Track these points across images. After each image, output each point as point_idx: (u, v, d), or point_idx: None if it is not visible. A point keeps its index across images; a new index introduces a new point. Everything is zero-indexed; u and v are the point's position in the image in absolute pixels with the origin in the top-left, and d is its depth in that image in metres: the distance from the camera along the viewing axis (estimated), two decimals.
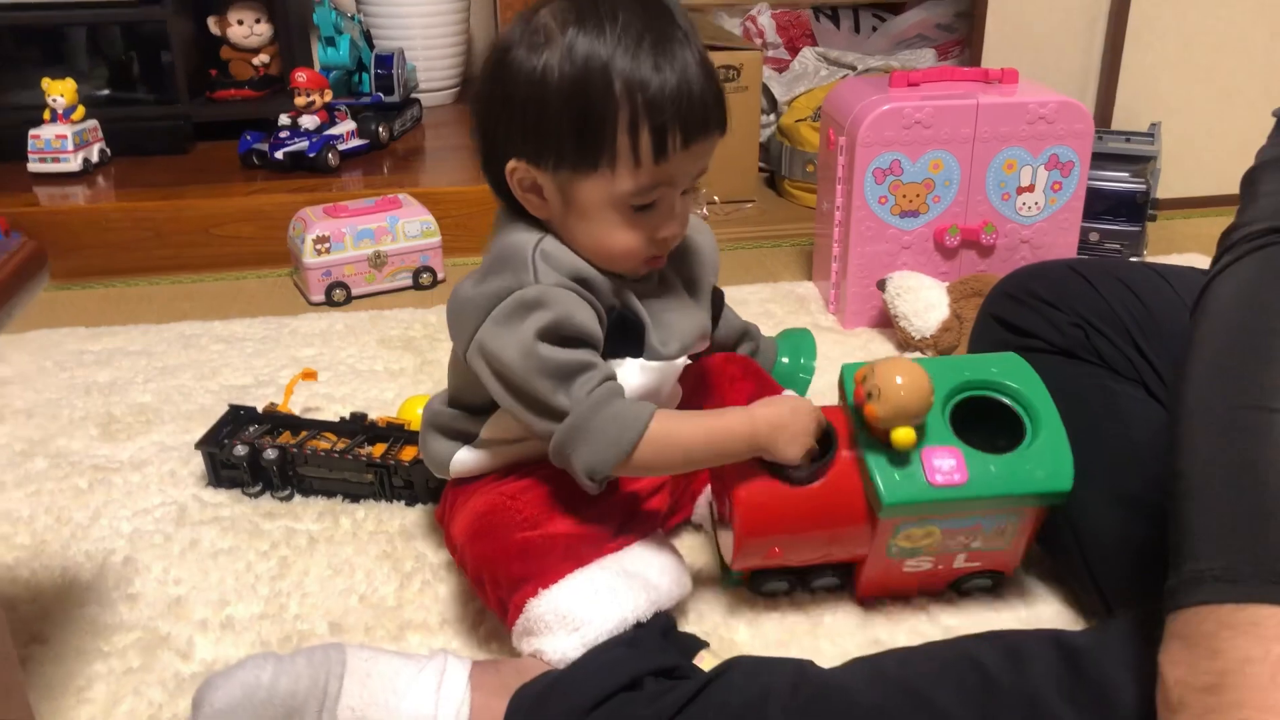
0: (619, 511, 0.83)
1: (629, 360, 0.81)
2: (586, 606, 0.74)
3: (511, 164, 0.78)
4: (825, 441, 0.82)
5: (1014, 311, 0.95)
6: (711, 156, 0.79)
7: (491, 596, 0.80)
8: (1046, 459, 0.79)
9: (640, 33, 0.73)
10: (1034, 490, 0.79)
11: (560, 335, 0.75)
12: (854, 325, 1.42)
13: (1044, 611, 0.88)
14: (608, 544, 0.80)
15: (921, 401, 0.77)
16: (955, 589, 0.89)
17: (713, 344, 0.95)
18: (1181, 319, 0.84)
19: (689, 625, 0.85)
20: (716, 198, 1.86)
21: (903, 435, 0.77)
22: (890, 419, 0.77)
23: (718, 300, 0.92)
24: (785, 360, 1.09)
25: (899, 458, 0.78)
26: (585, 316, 0.76)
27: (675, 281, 0.86)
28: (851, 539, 0.82)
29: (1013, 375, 0.84)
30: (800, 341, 1.12)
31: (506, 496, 0.82)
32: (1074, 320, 0.90)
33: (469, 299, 0.80)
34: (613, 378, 0.78)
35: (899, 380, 0.76)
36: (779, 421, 0.78)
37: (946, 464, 0.78)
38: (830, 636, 0.85)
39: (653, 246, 0.80)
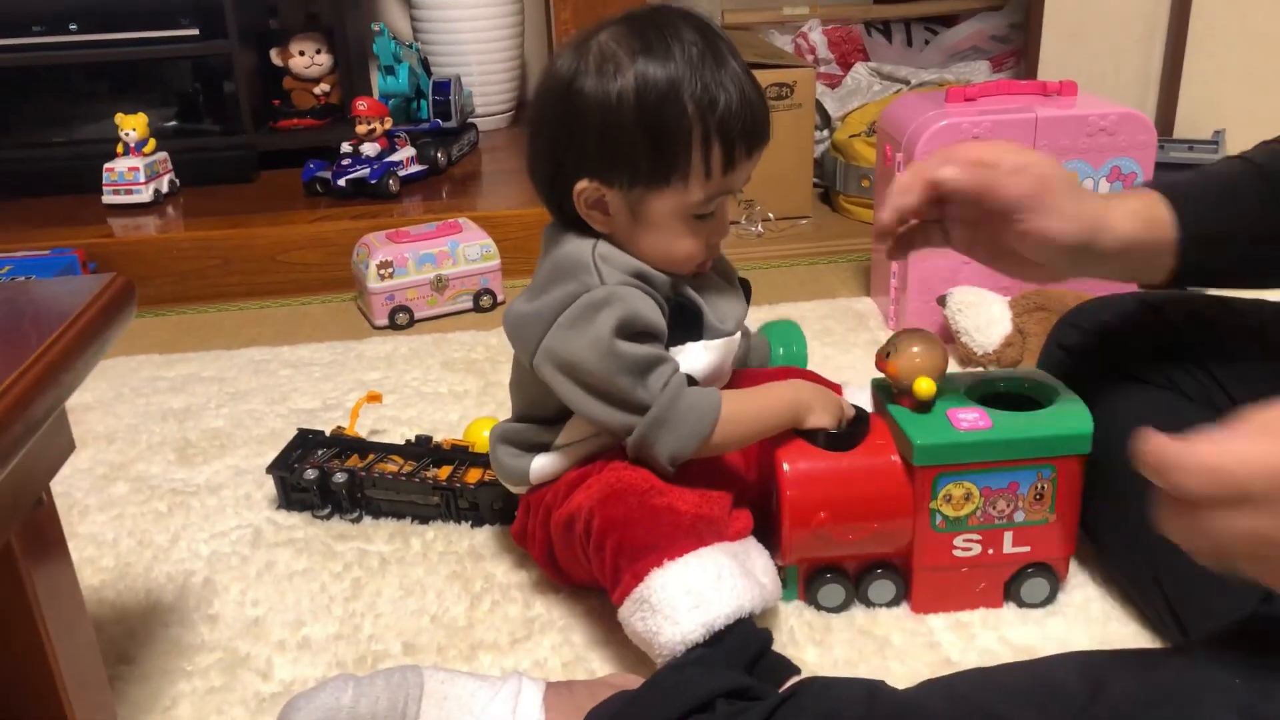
0: (728, 503, 0.85)
1: (691, 344, 0.85)
2: (710, 587, 0.75)
3: (581, 185, 0.81)
4: (857, 424, 0.88)
5: (1082, 341, 0.94)
6: None
7: (609, 563, 0.80)
8: (1067, 413, 0.85)
9: (701, 52, 0.78)
10: (1058, 432, 0.83)
11: (632, 330, 0.79)
12: None
13: (1119, 631, 0.86)
14: (726, 531, 0.82)
15: (936, 352, 0.85)
16: (1015, 600, 0.89)
17: None
18: (1252, 346, 0.84)
19: None
20: (772, 214, 1.87)
21: (924, 384, 0.83)
22: (909, 372, 0.84)
23: (746, 287, 0.96)
24: (781, 351, 1.15)
25: (925, 414, 0.85)
26: (652, 311, 0.80)
27: (710, 271, 0.91)
28: (894, 499, 0.85)
29: (1036, 380, 0.91)
30: (788, 332, 1.18)
31: (626, 467, 0.83)
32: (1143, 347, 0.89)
33: (529, 313, 0.83)
34: (678, 368, 0.82)
35: (914, 337, 0.86)
36: (814, 388, 0.86)
37: (971, 415, 0.84)
38: (899, 657, 0.85)
39: (707, 251, 0.85)
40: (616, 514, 0.80)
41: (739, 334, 0.90)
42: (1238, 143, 1.69)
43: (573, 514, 0.84)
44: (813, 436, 0.86)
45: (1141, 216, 0.79)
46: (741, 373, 1.00)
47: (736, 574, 0.77)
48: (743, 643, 0.75)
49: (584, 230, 0.84)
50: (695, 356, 0.85)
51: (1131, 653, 0.57)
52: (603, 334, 0.78)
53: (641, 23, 0.79)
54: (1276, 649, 0.50)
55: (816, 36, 2.23)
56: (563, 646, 0.87)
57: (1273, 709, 0.48)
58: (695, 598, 0.75)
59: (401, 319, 1.55)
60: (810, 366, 1.24)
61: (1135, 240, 0.78)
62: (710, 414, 0.81)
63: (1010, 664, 0.68)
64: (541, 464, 0.88)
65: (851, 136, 1.88)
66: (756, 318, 1.42)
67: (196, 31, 1.93)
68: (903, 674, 0.82)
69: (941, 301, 1.35)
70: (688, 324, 0.85)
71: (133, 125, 1.80)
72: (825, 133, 2.03)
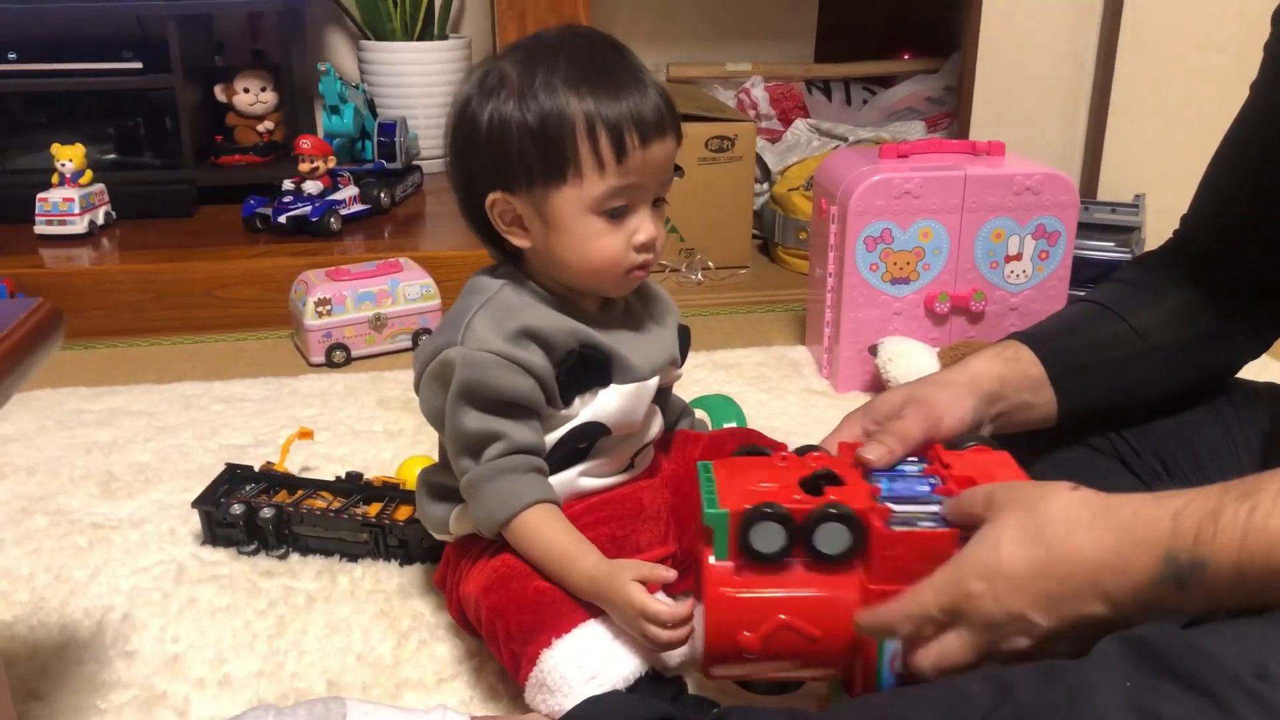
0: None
1: (601, 390, 0.85)
2: (602, 655, 0.75)
3: (490, 197, 0.82)
4: None
5: None
6: (673, 165, 0.83)
7: (505, 650, 0.79)
8: None
9: (585, 69, 0.79)
10: None
11: (476, 398, 0.80)
12: (847, 389, 1.44)
13: None
14: None
15: None
16: None
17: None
18: (1157, 404, 0.87)
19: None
20: (711, 263, 1.90)
21: None
22: None
23: (685, 335, 0.95)
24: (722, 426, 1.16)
25: None
26: (506, 380, 0.80)
27: (641, 313, 0.90)
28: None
29: None
30: (727, 409, 1.21)
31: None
32: None
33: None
34: (527, 450, 0.81)
35: None
36: (609, 585, 0.75)
37: None
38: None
39: (633, 254, 0.82)
40: (500, 602, 0.80)
41: (655, 379, 0.88)
42: (1158, 206, 1.76)
43: (464, 601, 0.85)
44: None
45: (1001, 356, 0.86)
46: (687, 435, 0.99)
47: (630, 636, 0.77)
48: (653, 693, 0.75)
49: (505, 269, 0.86)
50: (605, 402, 0.85)
51: (1033, 664, 0.59)
52: (448, 398, 0.81)
53: (534, 40, 0.82)
54: (1159, 658, 0.52)
55: (759, 93, 2.29)
56: (489, 686, 0.86)
57: (1162, 706, 0.50)
58: (589, 670, 0.74)
59: (338, 357, 1.54)
60: (746, 411, 1.26)
61: (1005, 375, 0.85)
62: (507, 510, 0.80)
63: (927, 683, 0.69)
64: (460, 516, 0.87)
65: (790, 190, 1.93)
66: (695, 376, 1.45)
67: (140, 65, 1.92)
68: None
69: (873, 351, 1.38)
70: (594, 372, 0.84)
71: (69, 156, 1.78)
72: (765, 186, 2.07)
